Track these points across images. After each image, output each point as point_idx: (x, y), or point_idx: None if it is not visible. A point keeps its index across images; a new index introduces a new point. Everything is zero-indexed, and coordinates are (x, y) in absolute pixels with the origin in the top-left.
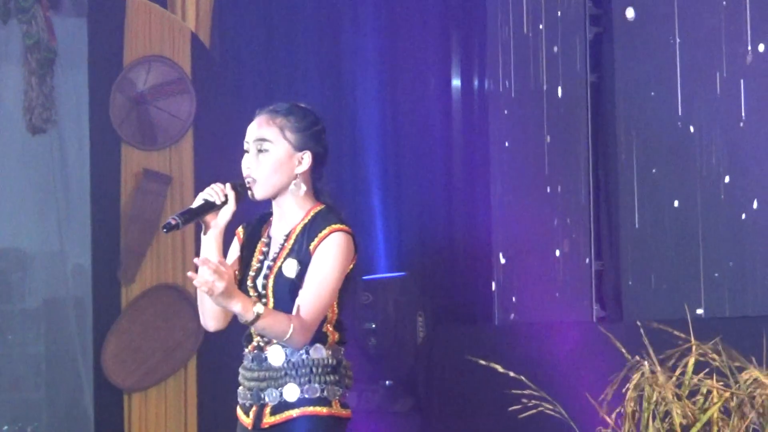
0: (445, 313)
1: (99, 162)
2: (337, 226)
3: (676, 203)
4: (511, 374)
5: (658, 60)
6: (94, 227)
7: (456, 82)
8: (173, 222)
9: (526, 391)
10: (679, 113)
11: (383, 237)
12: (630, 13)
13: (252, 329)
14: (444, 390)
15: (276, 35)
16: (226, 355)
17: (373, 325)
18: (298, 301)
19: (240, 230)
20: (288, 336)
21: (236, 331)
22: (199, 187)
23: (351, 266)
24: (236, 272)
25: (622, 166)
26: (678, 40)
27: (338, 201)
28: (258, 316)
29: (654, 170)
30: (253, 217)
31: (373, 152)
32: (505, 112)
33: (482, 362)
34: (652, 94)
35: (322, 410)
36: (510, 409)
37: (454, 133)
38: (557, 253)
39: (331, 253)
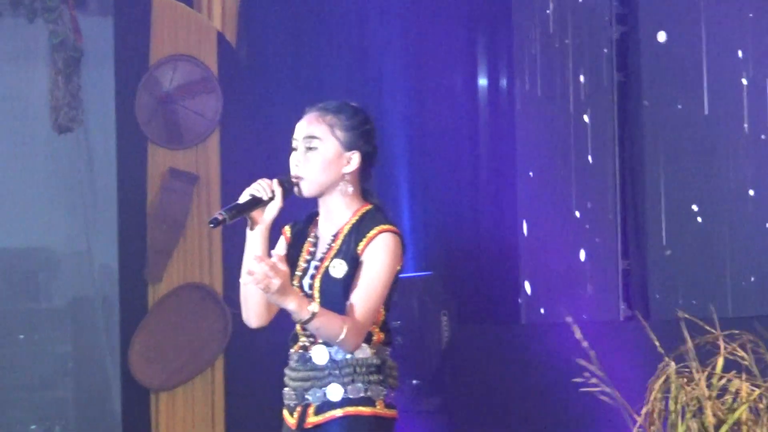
0: (471, 313)
1: (125, 161)
2: (386, 226)
3: (699, 219)
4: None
5: (685, 73)
6: (120, 226)
7: (482, 82)
8: (220, 217)
9: (590, 369)
10: (706, 112)
11: (409, 236)
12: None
13: (298, 329)
14: (471, 389)
15: (302, 34)
16: (253, 355)
17: (398, 323)
18: (349, 303)
19: (287, 229)
20: (341, 337)
21: (264, 331)
22: (225, 187)
23: (399, 267)
24: None
25: (649, 165)
26: (705, 52)
27: (387, 202)
28: (313, 316)
29: (682, 173)
30: (300, 216)
31: (400, 151)
32: (532, 110)
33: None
34: (679, 107)
35: (366, 410)
36: (573, 380)
37: (480, 131)
38: (584, 252)
39: (381, 254)
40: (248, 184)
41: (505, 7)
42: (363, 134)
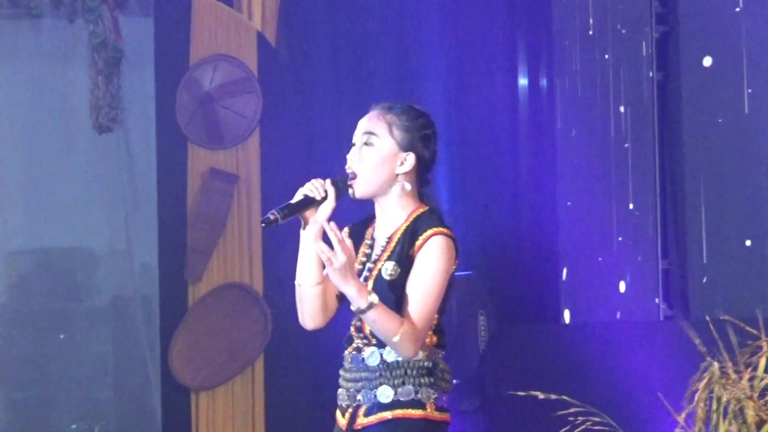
0: (512, 312)
1: (165, 161)
2: (439, 229)
3: (746, 241)
4: (553, 397)
5: (724, 72)
6: (160, 226)
7: (523, 81)
8: (272, 216)
9: (571, 410)
10: (746, 111)
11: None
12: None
13: (353, 330)
14: (512, 389)
15: (342, 34)
16: (293, 355)
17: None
18: (405, 308)
19: (345, 231)
20: (397, 338)
21: (304, 331)
22: (265, 187)
23: (452, 270)
24: None
25: (689, 164)
26: (745, 58)
27: (441, 207)
28: (371, 306)
29: (722, 170)
30: (357, 217)
31: (440, 151)
32: (572, 110)
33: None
34: (720, 120)
35: (416, 413)
36: (561, 431)
37: (520, 131)
38: (622, 250)
39: (434, 257)
40: (288, 184)
41: (546, 5)
42: (422, 138)
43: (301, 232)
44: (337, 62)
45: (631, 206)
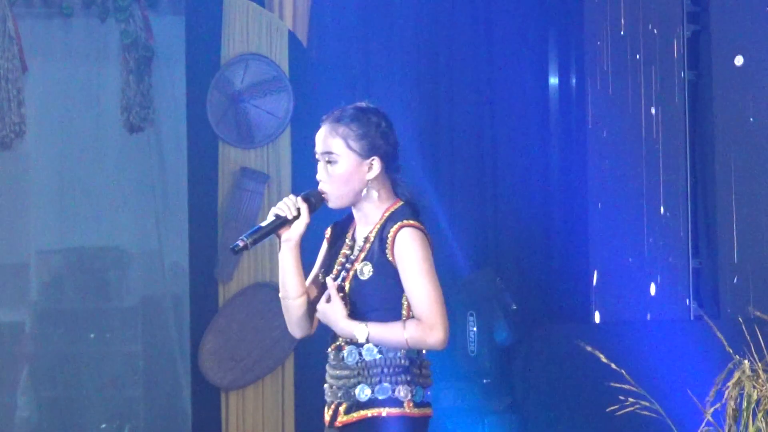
0: (542, 312)
1: (196, 160)
2: (402, 222)
3: None
4: (613, 366)
5: (755, 71)
6: (191, 226)
7: (553, 81)
8: (241, 243)
9: (625, 386)
10: None
11: (479, 235)
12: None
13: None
14: (541, 389)
15: (373, 34)
16: (323, 354)
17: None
18: (414, 310)
19: (328, 231)
20: (408, 342)
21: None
22: (296, 186)
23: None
24: (321, 273)
25: (720, 163)
26: None
27: (416, 193)
28: (367, 338)
29: (753, 170)
30: (340, 217)
31: (470, 151)
32: (603, 110)
33: (588, 348)
34: (751, 120)
35: (394, 411)
36: (608, 409)
37: (551, 131)
38: (654, 251)
39: (409, 252)
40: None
41: (577, 4)
42: (379, 137)
43: (279, 252)
44: (368, 61)
45: (661, 206)
